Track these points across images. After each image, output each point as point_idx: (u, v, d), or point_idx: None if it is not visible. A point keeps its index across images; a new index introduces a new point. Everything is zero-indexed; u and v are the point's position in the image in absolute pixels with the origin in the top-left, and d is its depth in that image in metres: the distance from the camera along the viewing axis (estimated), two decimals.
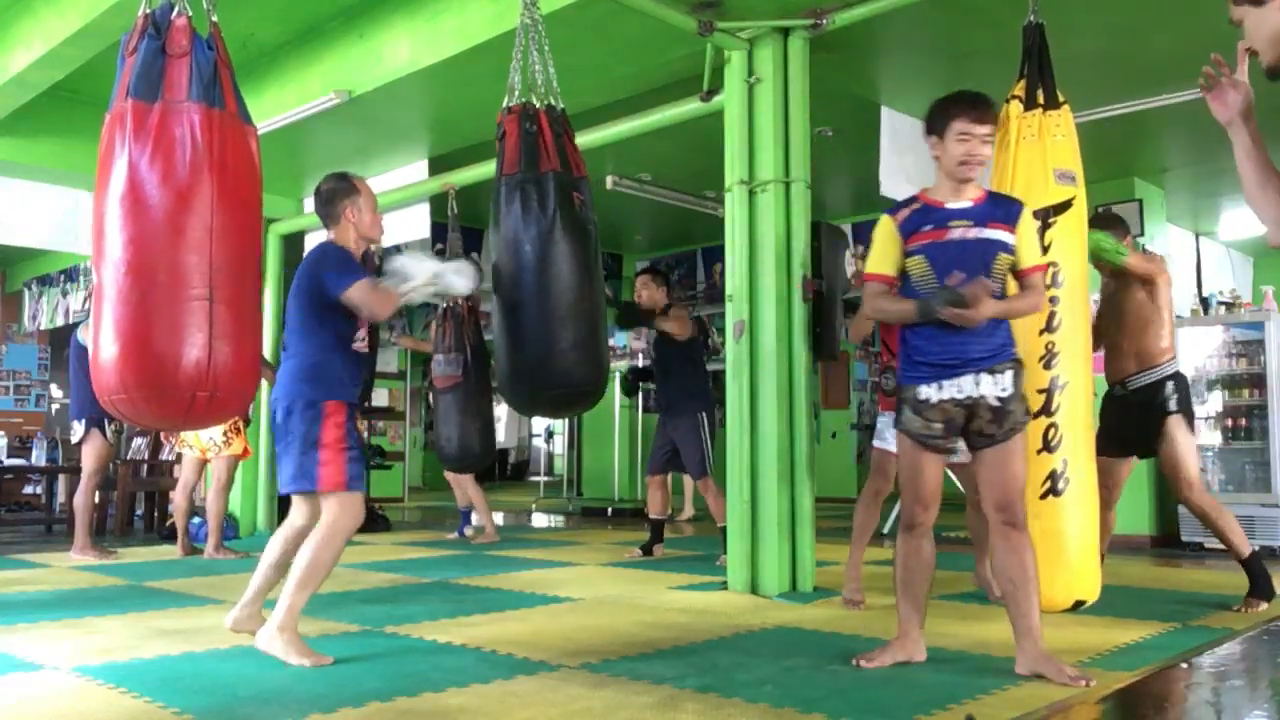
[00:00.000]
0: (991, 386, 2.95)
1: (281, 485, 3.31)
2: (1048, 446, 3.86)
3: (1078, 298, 3.98)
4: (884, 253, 3.12)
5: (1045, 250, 3.66)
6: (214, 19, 2.95)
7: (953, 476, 5.06)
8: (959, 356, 2.97)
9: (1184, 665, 2.74)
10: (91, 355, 2.84)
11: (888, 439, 4.32)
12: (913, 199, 3.17)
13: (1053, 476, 3.88)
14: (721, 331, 5.13)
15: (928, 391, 2.99)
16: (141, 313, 2.74)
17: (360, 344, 3.39)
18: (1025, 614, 2.95)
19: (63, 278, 10.82)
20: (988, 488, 3.04)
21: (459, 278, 3.36)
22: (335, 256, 3.32)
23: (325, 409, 3.22)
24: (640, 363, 6.29)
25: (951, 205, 3.07)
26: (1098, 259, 4.24)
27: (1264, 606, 4.05)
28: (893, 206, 3.19)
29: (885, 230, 3.13)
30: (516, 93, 3.61)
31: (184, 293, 2.75)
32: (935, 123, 3.13)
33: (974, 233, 3.02)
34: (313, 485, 3.20)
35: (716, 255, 10.00)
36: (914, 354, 3.05)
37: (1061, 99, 4.05)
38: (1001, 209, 3.09)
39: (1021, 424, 3.03)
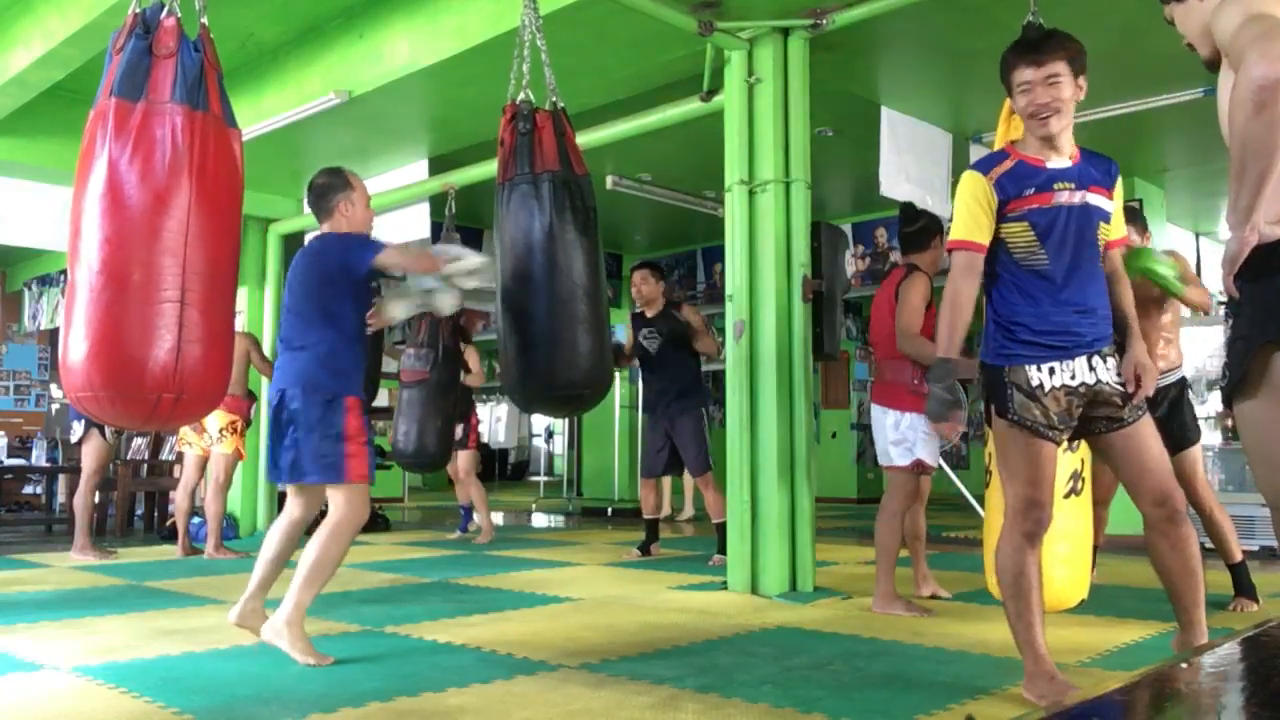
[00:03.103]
0: (1107, 372, 2.62)
1: (301, 475, 3.22)
2: (1071, 445, 3.86)
3: None
4: (974, 216, 2.63)
5: None
6: (204, 21, 2.94)
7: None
8: (1071, 337, 2.59)
9: (1184, 665, 2.74)
10: (60, 353, 2.83)
11: (919, 448, 4.06)
12: (1002, 154, 2.71)
13: (1074, 476, 3.89)
14: (721, 331, 5.12)
15: (1038, 376, 2.58)
16: (112, 312, 2.72)
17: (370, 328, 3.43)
18: (1190, 607, 2.68)
19: (63, 278, 10.76)
20: (1136, 478, 2.65)
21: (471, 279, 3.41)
22: (350, 236, 3.39)
23: (347, 402, 3.23)
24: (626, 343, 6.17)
25: (1052, 165, 2.63)
26: (1149, 281, 3.84)
27: (1255, 607, 4.09)
28: (979, 161, 2.74)
29: (974, 188, 2.64)
30: (522, 89, 3.61)
31: (156, 294, 2.73)
32: (1004, 79, 2.66)
33: (1077, 198, 2.62)
34: (340, 477, 3.19)
35: (716, 255, 10.01)
36: (1017, 330, 2.61)
37: None
38: (1100, 169, 2.70)
39: (1145, 406, 2.67)
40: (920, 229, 4.31)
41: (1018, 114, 2.66)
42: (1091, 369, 2.61)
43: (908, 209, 4.47)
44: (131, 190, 2.74)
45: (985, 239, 2.63)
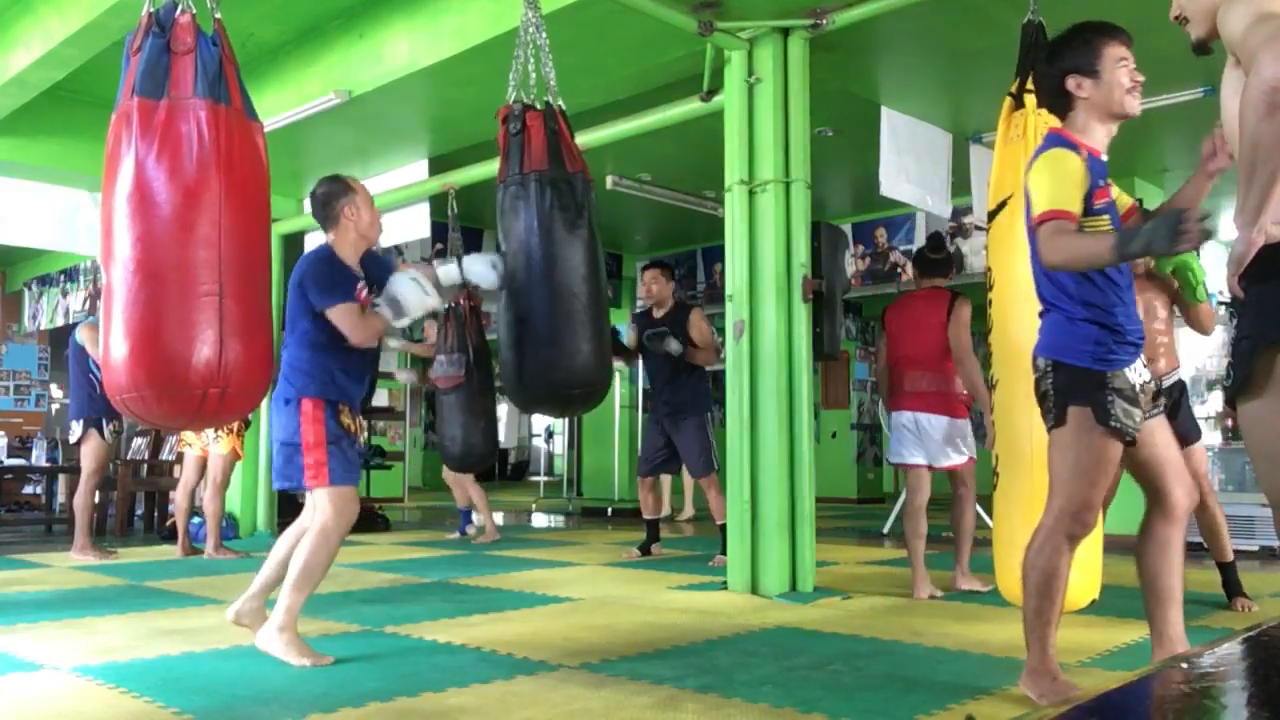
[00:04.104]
0: (1144, 367, 2.64)
1: (275, 480, 3.33)
2: None
3: None
4: (1069, 189, 2.46)
5: None
6: (218, 15, 2.95)
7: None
8: (1141, 335, 2.58)
9: (1184, 665, 2.73)
10: (102, 355, 2.84)
11: (968, 447, 4.60)
12: (1059, 137, 2.58)
13: None
14: (721, 331, 5.12)
15: (1133, 377, 2.54)
16: (152, 311, 2.73)
17: None
18: (1179, 606, 2.70)
19: (63, 278, 10.82)
20: (1177, 465, 2.65)
21: (486, 270, 3.37)
22: (326, 271, 3.28)
23: (303, 406, 3.21)
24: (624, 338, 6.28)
25: (1104, 158, 2.58)
26: (1173, 277, 4.06)
27: (1255, 606, 4.10)
28: (1055, 139, 2.58)
29: (1073, 163, 2.48)
30: (516, 90, 3.61)
31: (194, 289, 2.75)
32: (1080, 59, 2.55)
33: (1114, 193, 2.59)
34: (298, 484, 3.21)
35: (716, 255, 10.01)
36: (1122, 332, 2.52)
37: None
38: None
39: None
40: (946, 258, 4.83)
41: (1105, 95, 2.53)
42: (1145, 365, 2.62)
43: (937, 239, 4.93)
44: (161, 187, 2.75)
45: (1078, 212, 2.46)
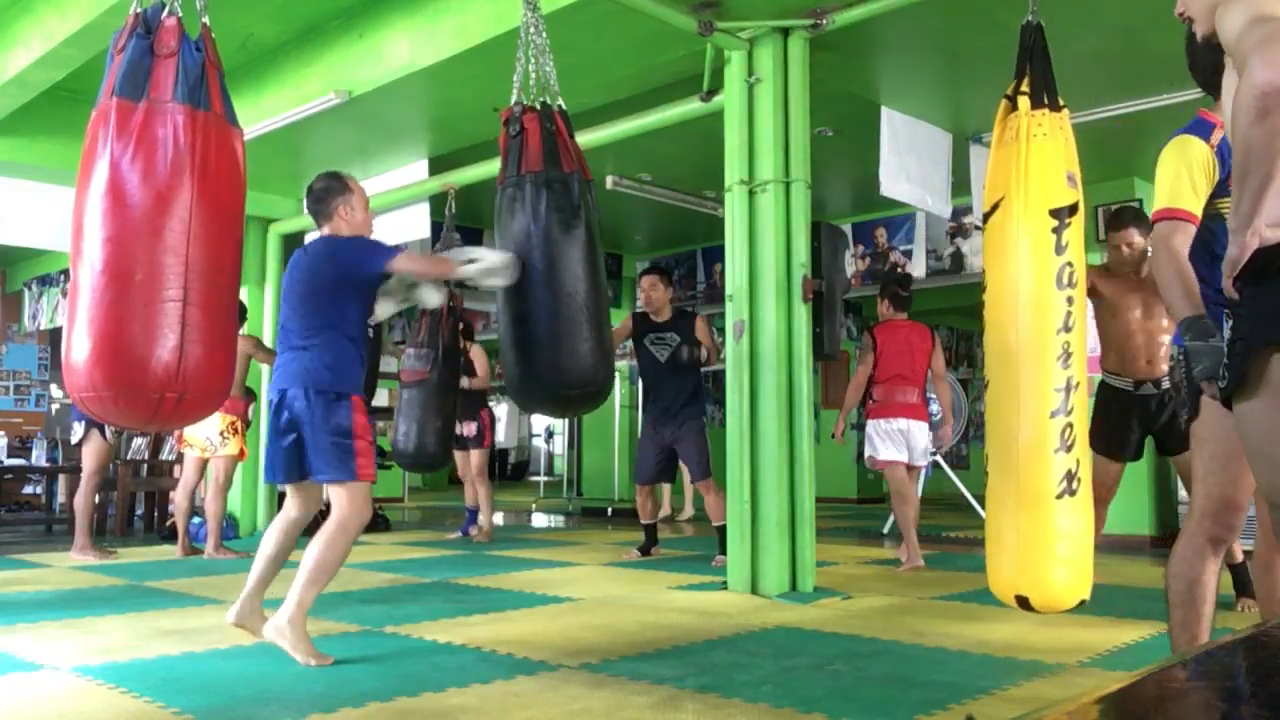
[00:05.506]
0: None
1: (310, 474, 3.25)
2: (1065, 446, 3.86)
3: (1083, 299, 3.99)
4: (1192, 182, 2.35)
5: (1062, 251, 3.62)
6: (205, 20, 2.95)
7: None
8: None
9: (1184, 665, 2.73)
10: (64, 352, 2.83)
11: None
12: (1207, 122, 2.43)
13: (1069, 476, 3.88)
14: (721, 331, 5.13)
15: None
16: (115, 312, 2.73)
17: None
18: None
19: (63, 278, 10.82)
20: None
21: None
22: (359, 241, 3.41)
23: (354, 402, 3.25)
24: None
25: None
26: None
27: (1257, 607, 4.11)
28: (1191, 127, 2.46)
29: (1197, 153, 2.37)
30: (519, 90, 3.60)
31: (159, 294, 2.74)
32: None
33: None
34: (351, 475, 3.21)
35: (716, 255, 10.01)
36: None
37: (1061, 103, 4.05)
38: None
39: None
40: (911, 295, 5.84)
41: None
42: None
43: (907, 279, 5.96)
44: (134, 190, 2.74)
45: (1199, 210, 2.37)
